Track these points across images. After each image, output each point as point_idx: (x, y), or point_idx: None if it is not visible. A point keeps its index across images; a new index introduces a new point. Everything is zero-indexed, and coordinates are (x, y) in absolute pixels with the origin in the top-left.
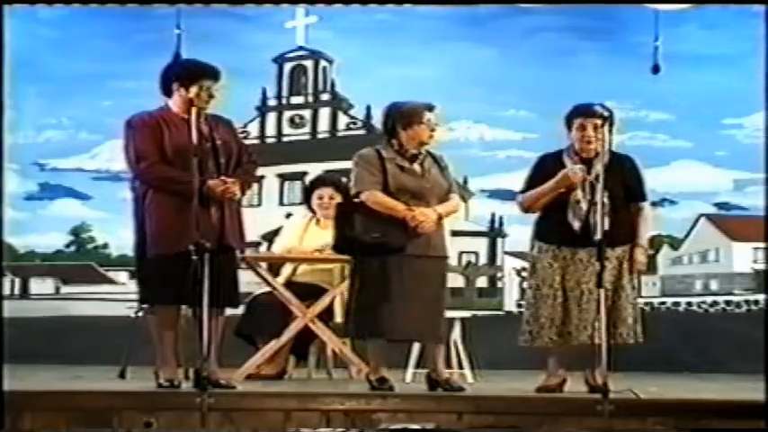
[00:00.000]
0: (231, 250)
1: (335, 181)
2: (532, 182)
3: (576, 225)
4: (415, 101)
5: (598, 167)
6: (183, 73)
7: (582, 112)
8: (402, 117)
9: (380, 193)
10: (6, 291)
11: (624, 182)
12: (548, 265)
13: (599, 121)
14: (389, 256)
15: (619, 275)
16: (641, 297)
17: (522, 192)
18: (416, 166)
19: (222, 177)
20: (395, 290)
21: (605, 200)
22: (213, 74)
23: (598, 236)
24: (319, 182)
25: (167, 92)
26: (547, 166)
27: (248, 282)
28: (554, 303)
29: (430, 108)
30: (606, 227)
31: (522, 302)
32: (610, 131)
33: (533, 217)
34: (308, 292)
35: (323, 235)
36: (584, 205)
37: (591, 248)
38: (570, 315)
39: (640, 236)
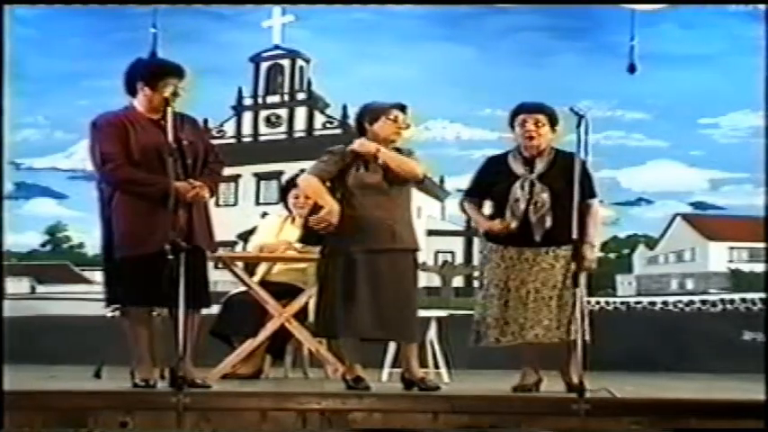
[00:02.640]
0: (200, 251)
1: None
2: (478, 183)
3: (514, 224)
4: (388, 101)
5: (539, 166)
6: (148, 72)
7: (524, 108)
8: (369, 113)
9: (316, 180)
10: None
11: (568, 179)
12: (495, 265)
13: (540, 117)
14: (352, 251)
15: (567, 274)
16: (617, 297)
17: (468, 193)
18: (380, 162)
19: (190, 180)
20: (358, 287)
21: (546, 198)
22: (179, 72)
23: (574, 235)
24: (296, 182)
25: (131, 91)
26: (491, 168)
27: (225, 281)
28: (499, 303)
29: (400, 107)
30: (547, 225)
31: None
32: (553, 130)
33: None
34: (283, 292)
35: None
36: (522, 204)
37: (536, 248)
38: (516, 314)
39: (588, 233)
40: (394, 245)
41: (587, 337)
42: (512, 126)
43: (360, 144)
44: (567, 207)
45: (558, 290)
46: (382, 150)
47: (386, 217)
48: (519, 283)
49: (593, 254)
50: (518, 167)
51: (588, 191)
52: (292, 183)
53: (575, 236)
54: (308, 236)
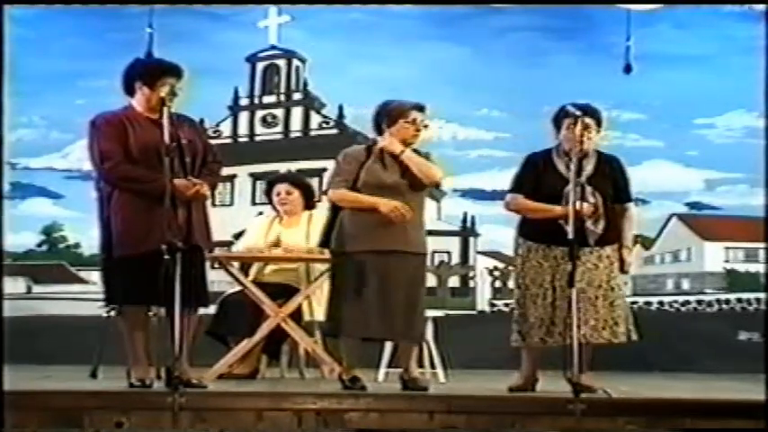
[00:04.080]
0: (199, 250)
1: (291, 176)
2: (523, 181)
3: (569, 228)
4: (405, 100)
5: (588, 168)
6: (147, 72)
7: (573, 111)
8: (388, 115)
9: (344, 189)
10: None
11: (613, 182)
12: (537, 264)
13: (589, 121)
14: (362, 252)
15: (612, 274)
16: None
17: (512, 191)
18: (397, 163)
19: (189, 178)
20: (367, 288)
21: (599, 201)
22: (177, 72)
23: (570, 235)
24: (276, 179)
25: (130, 91)
26: (536, 167)
27: (221, 281)
28: (544, 303)
29: (419, 108)
30: (601, 227)
31: (495, 302)
32: (597, 131)
33: (508, 217)
34: (277, 292)
35: (286, 233)
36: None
37: (582, 248)
38: (564, 314)
39: (626, 237)
40: (404, 247)
41: (634, 337)
42: (557, 127)
43: (389, 142)
44: (609, 209)
45: (603, 290)
46: (407, 152)
47: (394, 219)
48: (565, 283)
49: (630, 256)
50: (564, 168)
51: (625, 194)
52: (275, 180)
53: (570, 236)
54: (327, 240)
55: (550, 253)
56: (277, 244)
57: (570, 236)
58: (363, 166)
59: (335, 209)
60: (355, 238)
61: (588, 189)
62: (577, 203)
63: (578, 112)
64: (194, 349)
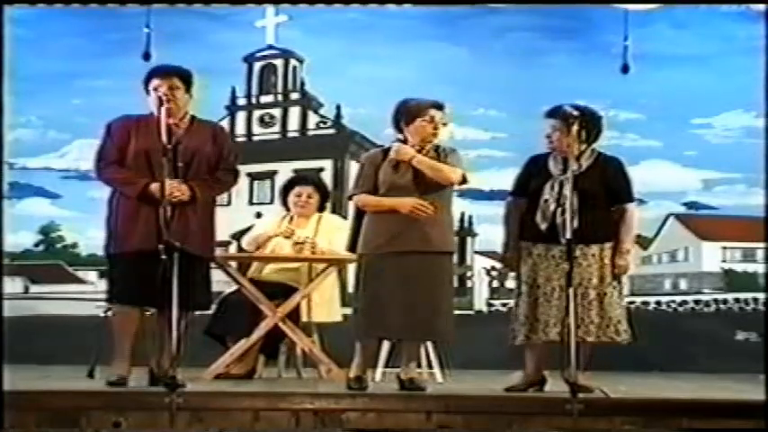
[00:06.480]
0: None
1: (316, 180)
2: (517, 183)
3: (544, 224)
4: (424, 98)
5: (573, 167)
6: (146, 76)
7: (546, 113)
8: (406, 113)
9: (365, 194)
10: None
11: (605, 182)
12: (526, 263)
13: (555, 122)
14: (382, 253)
15: (595, 273)
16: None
17: (511, 193)
18: (409, 164)
19: (172, 182)
20: (387, 289)
21: (574, 198)
22: (166, 73)
23: (567, 235)
24: (300, 180)
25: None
26: (530, 167)
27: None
28: (528, 300)
29: (437, 106)
30: (573, 225)
31: (493, 302)
32: (579, 132)
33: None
34: (275, 291)
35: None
36: (551, 205)
37: (563, 246)
38: (538, 312)
39: (621, 239)
40: (424, 247)
41: (621, 339)
42: None
43: (395, 150)
44: (597, 208)
45: (582, 288)
46: (417, 158)
47: (416, 218)
48: (545, 281)
49: (621, 259)
50: (554, 168)
51: (621, 195)
52: (296, 181)
53: (569, 235)
54: (354, 245)
55: (535, 251)
56: (289, 235)
57: (567, 235)
58: (380, 169)
59: (359, 214)
60: (375, 240)
61: (566, 186)
62: (552, 201)
63: (546, 114)
64: (192, 349)
